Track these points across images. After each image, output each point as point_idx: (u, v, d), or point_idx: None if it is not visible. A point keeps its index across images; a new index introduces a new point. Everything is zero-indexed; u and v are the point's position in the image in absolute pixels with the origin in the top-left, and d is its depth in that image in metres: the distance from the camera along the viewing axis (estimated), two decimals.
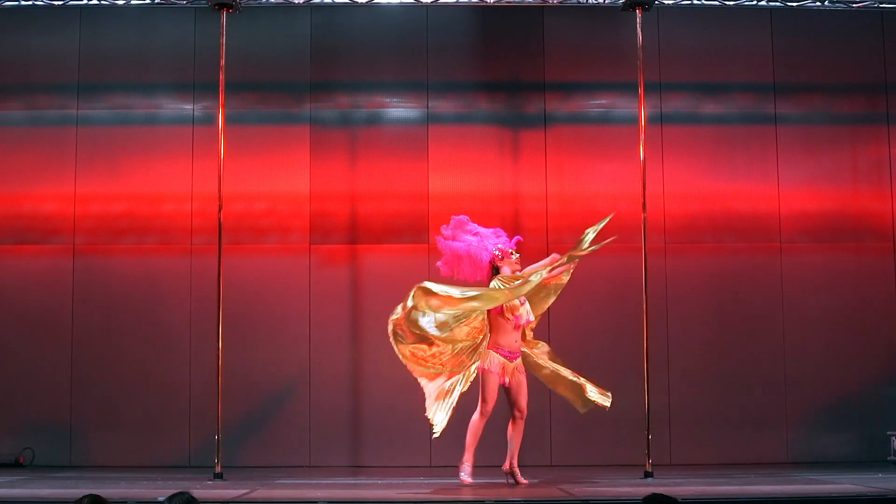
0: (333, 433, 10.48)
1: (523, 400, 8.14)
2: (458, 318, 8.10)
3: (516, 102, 11.07)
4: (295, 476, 9.25)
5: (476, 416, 8.12)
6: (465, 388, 8.00)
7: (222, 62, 9.08)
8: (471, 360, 8.08)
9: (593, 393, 8.27)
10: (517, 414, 8.16)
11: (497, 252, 8.23)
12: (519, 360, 8.16)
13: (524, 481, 8.12)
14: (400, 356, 8.25)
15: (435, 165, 10.82)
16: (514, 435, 8.18)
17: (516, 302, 8.11)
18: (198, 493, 7.33)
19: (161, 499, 5.16)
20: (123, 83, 10.91)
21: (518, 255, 8.31)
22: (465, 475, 8.04)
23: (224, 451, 8.78)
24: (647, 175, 9.06)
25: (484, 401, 8.08)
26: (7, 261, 10.72)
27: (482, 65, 11.06)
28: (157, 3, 10.29)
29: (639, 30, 9.19)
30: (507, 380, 8.04)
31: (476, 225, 8.42)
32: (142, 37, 10.88)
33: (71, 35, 10.85)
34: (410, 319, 8.10)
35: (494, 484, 8.11)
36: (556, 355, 8.51)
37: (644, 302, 8.96)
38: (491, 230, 8.40)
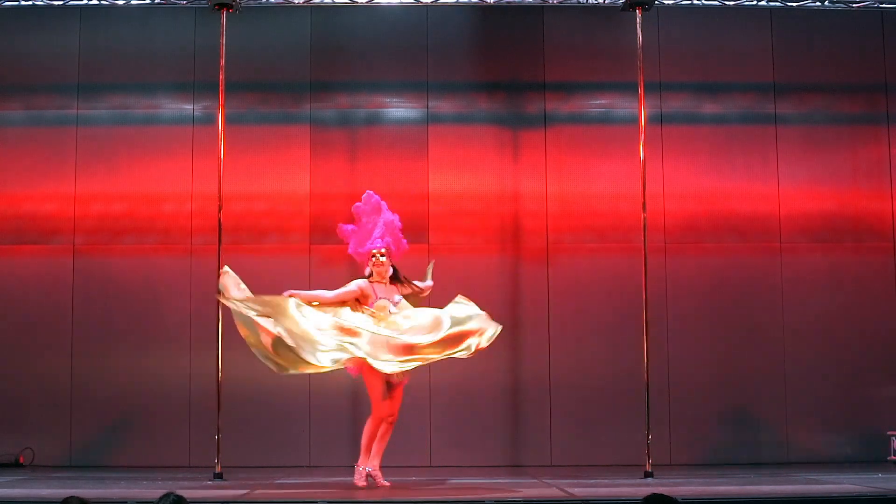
0: (333, 433, 10.47)
1: (396, 404, 7.90)
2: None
3: (516, 102, 11.06)
4: (295, 476, 9.25)
5: (370, 418, 7.92)
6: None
7: (222, 62, 9.07)
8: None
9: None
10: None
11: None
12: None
13: (385, 483, 7.87)
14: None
15: (435, 165, 10.81)
16: (381, 437, 7.90)
17: (385, 302, 7.91)
18: (198, 493, 7.36)
19: None
20: (123, 83, 10.91)
21: (385, 258, 7.97)
22: (358, 478, 7.85)
23: (224, 451, 8.77)
24: (647, 175, 9.05)
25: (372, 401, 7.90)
26: (7, 261, 10.72)
27: (482, 65, 11.05)
28: (157, 3, 10.29)
29: (639, 30, 9.18)
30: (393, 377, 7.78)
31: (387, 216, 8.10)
32: (142, 37, 10.88)
33: (71, 35, 10.84)
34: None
35: (495, 484, 8.10)
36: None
37: (644, 302, 8.95)
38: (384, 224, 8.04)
